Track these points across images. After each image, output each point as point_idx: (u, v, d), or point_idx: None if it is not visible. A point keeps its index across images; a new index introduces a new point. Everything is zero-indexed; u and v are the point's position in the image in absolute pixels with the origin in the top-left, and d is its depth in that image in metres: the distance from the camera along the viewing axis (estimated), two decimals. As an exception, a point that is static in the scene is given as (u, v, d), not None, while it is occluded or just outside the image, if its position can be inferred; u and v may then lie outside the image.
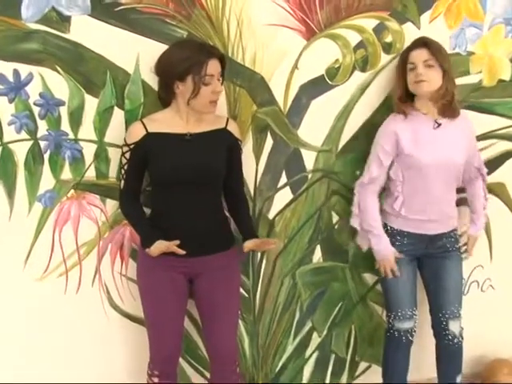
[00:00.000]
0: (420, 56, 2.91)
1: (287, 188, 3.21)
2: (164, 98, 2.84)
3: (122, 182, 2.84)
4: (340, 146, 3.20)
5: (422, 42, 2.94)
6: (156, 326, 2.86)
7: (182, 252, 2.70)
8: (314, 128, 3.16)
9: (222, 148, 2.86)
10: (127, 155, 2.80)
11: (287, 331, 3.31)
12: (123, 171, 2.83)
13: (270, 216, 3.21)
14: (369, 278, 3.37)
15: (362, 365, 3.43)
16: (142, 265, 2.90)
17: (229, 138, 2.89)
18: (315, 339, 3.35)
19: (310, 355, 3.36)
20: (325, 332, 3.35)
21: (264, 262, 3.24)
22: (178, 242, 2.70)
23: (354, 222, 3.13)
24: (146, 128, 2.78)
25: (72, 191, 2.99)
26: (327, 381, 3.40)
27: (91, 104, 2.91)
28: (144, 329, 3.11)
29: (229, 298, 2.89)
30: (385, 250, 3.03)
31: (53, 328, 3.08)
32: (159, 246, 2.71)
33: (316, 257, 3.29)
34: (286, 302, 3.28)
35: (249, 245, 2.79)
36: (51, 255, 3.01)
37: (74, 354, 3.12)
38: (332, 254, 3.31)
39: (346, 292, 3.34)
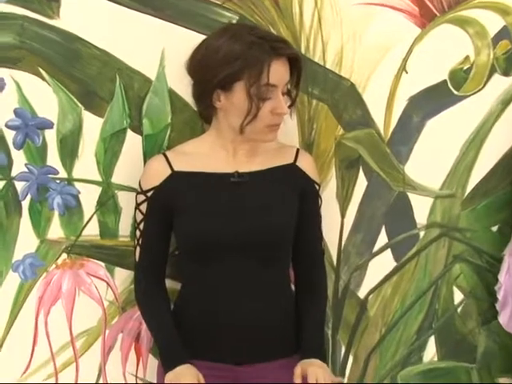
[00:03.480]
0: None
1: (388, 252, 2.25)
2: (205, 114, 1.91)
3: (138, 249, 1.93)
4: (468, 189, 2.26)
5: None
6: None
7: None
8: (430, 162, 2.23)
9: (289, 195, 1.91)
10: (143, 207, 1.89)
11: None
12: (138, 233, 1.92)
13: (361, 294, 2.26)
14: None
15: None
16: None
17: (300, 179, 1.94)
18: None
19: None
20: None
21: (350, 360, 2.26)
22: None
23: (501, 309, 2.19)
24: (170, 164, 1.87)
25: (64, 256, 2.10)
26: None
27: (92, 126, 2.05)
28: None
29: None
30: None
31: None
32: (184, 376, 1.75)
33: (428, 354, 2.31)
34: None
35: (299, 371, 1.79)
36: (33, 349, 2.11)
37: None
38: (452, 351, 2.31)
39: (471, 406, 2.34)
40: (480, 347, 2.29)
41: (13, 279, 2.07)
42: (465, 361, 2.30)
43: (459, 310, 2.28)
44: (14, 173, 2.02)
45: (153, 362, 2.13)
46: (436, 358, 2.29)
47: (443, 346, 2.29)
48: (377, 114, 2.18)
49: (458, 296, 2.28)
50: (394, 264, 2.23)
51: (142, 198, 1.88)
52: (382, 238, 2.23)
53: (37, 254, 2.06)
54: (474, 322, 2.28)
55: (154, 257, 1.92)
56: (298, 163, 1.93)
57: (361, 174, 2.20)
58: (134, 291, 1.98)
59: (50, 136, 2.02)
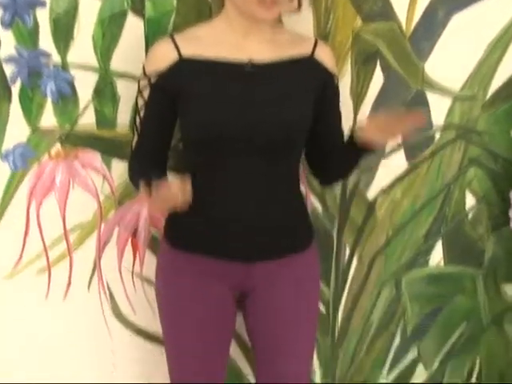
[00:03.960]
0: None
1: (400, 152, 2.09)
2: None
3: (135, 137, 1.76)
4: (490, 92, 2.09)
5: None
6: (183, 369, 1.82)
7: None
8: (452, 60, 2.04)
9: (304, 91, 1.73)
10: (146, 93, 1.71)
11: (380, 361, 2.25)
12: (138, 119, 1.75)
13: (370, 195, 2.12)
14: (510, 290, 2.26)
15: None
16: (165, 266, 1.82)
17: (318, 73, 1.76)
18: (420, 373, 2.28)
19: (411, 393, 2.32)
20: (436, 365, 2.28)
21: (354, 261, 2.16)
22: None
23: None
24: (178, 49, 1.68)
25: (58, 146, 1.94)
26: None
27: (90, 6, 1.85)
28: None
29: (303, 324, 1.82)
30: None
31: (29, 349, 2.08)
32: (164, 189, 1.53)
33: (435, 258, 2.19)
34: (383, 321, 2.21)
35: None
36: (25, 242, 1.99)
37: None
38: (460, 256, 2.20)
39: (473, 309, 2.25)
40: (487, 253, 2.20)
41: (2, 169, 1.93)
42: (471, 266, 2.21)
43: (470, 215, 2.16)
44: (1, 54, 1.84)
45: (150, 258, 2.04)
46: (442, 263, 2.20)
47: (450, 251, 2.18)
48: (399, 5, 1.98)
49: (470, 201, 2.15)
50: (405, 165, 2.10)
51: (144, 82, 1.70)
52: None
53: (28, 143, 1.92)
54: (483, 228, 2.17)
55: (153, 145, 1.76)
56: (316, 55, 1.74)
57: (378, 69, 2.02)
58: (128, 174, 1.80)
59: (43, 16, 1.83)
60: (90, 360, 2.11)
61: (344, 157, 1.79)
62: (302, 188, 1.88)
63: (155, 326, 2.07)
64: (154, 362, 2.13)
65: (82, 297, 2.06)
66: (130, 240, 2.03)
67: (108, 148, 1.95)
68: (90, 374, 2.12)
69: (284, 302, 1.78)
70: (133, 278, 2.06)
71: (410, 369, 2.27)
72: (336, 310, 2.18)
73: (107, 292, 2.07)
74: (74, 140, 1.93)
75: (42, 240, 1.98)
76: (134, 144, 1.77)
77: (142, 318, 2.10)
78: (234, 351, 2.17)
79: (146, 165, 1.75)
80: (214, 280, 1.74)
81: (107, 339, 2.10)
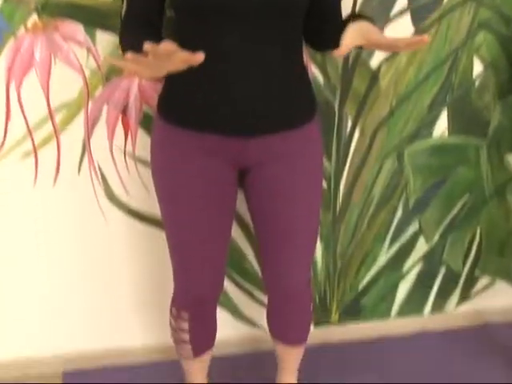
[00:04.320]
0: None
1: (407, 16, 1.93)
2: None
3: (125, 4, 1.57)
4: None
5: None
6: (184, 247, 1.73)
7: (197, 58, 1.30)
8: None
9: None
10: None
11: (382, 235, 2.19)
12: None
13: (373, 64, 1.98)
14: (514, 160, 2.20)
15: (483, 281, 2.35)
16: (161, 142, 1.67)
17: None
18: (421, 247, 2.23)
19: (411, 268, 2.26)
20: (436, 237, 2.23)
21: (356, 134, 2.04)
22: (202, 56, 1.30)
23: None
24: None
25: (35, 18, 1.74)
26: (430, 302, 2.34)
27: None
28: (162, 233, 2.02)
29: (304, 200, 1.71)
30: None
31: (18, 236, 1.97)
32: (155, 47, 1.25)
33: (438, 129, 2.09)
34: (385, 195, 2.13)
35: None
36: (7, 125, 1.83)
37: (51, 274, 2.05)
38: (464, 126, 2.10)
39: (476, 180, 2.17)
40: (493, 123, 2.10)
41: (-24, 44, 1.75)
42: (475, 136, 2.11)
43: (477, 82, 2.04)
44: None
45: (143, 138, 1.92)
46: (447, 134, 2.10)
47: (455, 121, 2.08)
48: None
49: (477, 68, 2.02)
50: (412, 30, 1.94)
51: None
52: (401, 0, 1.92)
53: (0, 14, 1.72)
54: (490, 96, 2.06)
55: (143, 7, 1.55)
56: None
57: None
58: (119, 42, 1.56)
59: None
60: (84, 243, 2.02)
61: (339, 33, 1.63)
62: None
63: (152, 207, 2.00)
64: (150, 245, 2.07)
65: (73, 181, 1.93)
66: (120, 118, 1.88)
67: (91, 18, 1.75)
68: (84, 257, 2.04)
69: (283, 178, 1.66)
70: (125, 158, 1.93)
71: (411, 242, 2.23)
72: (337, 184, 2.09)
73: (99, 174, 1.94)
74: (52, 9, 1.73)
75: (26, 122, 1.82)
76: (123, 14, 1.58)
77: (138, 200, 2.00)
78: (236, 232, 2.12)
79: (137, 30, 1.53)
80: (212, 155, 1.62)
81: (102, 222, 2.00)
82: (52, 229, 1.97)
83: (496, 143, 2.13)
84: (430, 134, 2.08)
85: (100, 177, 1.94)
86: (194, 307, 1.80)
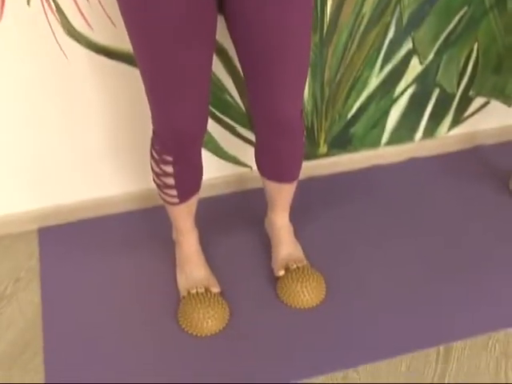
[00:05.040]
0: None
1: None
2: None
3: None
4: None
5: None
6: (162, 81, 1.51)
7: None
8: None
9: None
10: None
11: (372, 57, 1.99)
12: None
13: None
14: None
15: (477, 101, 2.20)
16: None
17: None
18: (414, 68, 2.05)
19: (403, 92, 2.09)
20: (431, 56, 2.04)
21: None
22: None
23: None
24: None
25: None
26: (421, 128, 2.20)
27: None
28: (134, 70, 1.80)
29: (295, 21, 1.48)
30: None
31: None
32: None
33: None
34: (377, 10, 1.91)
35: None
36: None
37: (15, 128, 1.83)
38: None
39: (475, -10, 1.97)
40: None
41: None
42: None
43: None
44: None
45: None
46: None
47: None
48: None
49: None
50: None
51: None
52: None
53: None
54: None
55: None
56: None
57: None
58: None
59: None
60: (43, 87, 1.79)
61: None
62: None
63: (121, 40, 1.76)
64: (121, 83, 1.85)
65: (26, 15, 1.66)
66: None
67: None
68: (47, 103, 1.82)
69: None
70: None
71: (404, 63, 2.04)
72: (324, 3, 1.87)
73: (53, 8, 1.67)
74: None
75: None
76: None
77: (103, 33, 1.74)
78: (221, 72, 1.91)
79: None
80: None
81: (63, 61, 1.76)
82: (5, 73, 1.73)
83: None
84: None
85: (55, 9, 1.67)
86: (177, 149, 1.62)
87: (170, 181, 1.69)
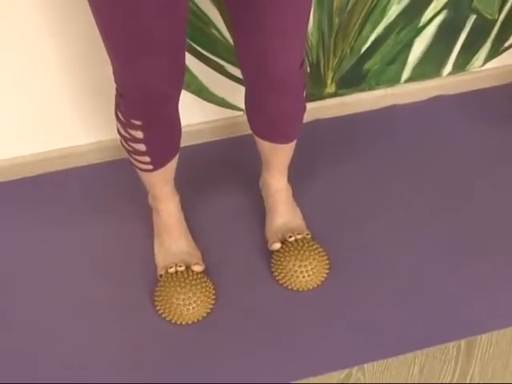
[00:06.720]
0: None
1: None
2: None
3: None
4: None
5: None
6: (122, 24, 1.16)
7: None
8: None
9: None
10: None
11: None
12: None
13: None
14: None
15: (520, 29, 1.82)
16: None
17: None
18: None
19: (430, 20, 1.71)
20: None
21: None
22: None
23: None
24: None
25: None
26: (451, 61, 1.83)
27: None
28: None
29: None
30: None
31: None
32: None
33: None
34: None
35: None
36: None
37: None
38: None
39: None
40: None
41: None
42: None
43: None
44: None
45: None
46: None
47: None
48: None
49: None
50: None
51: None
52: None
53: None
54: None
55: None
56: None
57: None
58: None
59: None
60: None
61: None
62: None
63: None
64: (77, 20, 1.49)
65: None
66: None
67: None
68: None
69: None
70: None
71: None
72: None
73: None
74: None
75: None
76: None
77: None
78: (204, 2, 1.53)
79: None
80: None
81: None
82: None
83: None
84: None
85: None
86: (147, 111, 1.29)
87: (141, 147, 1.37)
